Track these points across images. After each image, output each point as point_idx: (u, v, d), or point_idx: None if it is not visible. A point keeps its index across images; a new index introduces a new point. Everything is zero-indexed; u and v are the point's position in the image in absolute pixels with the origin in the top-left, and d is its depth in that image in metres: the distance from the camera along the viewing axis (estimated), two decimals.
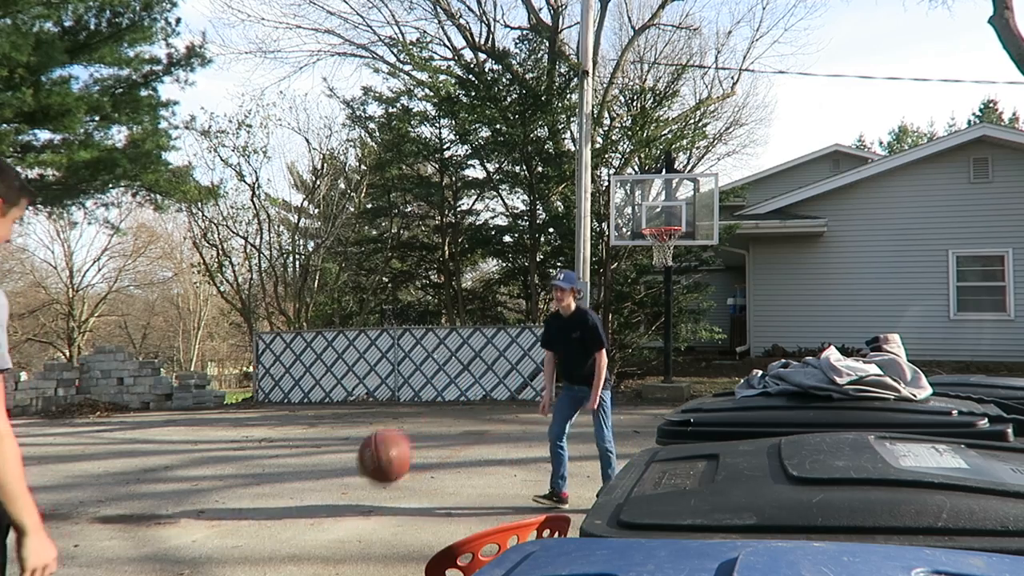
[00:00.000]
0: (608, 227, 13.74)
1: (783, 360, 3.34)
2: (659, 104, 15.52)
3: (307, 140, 27.39)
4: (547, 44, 18.05)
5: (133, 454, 8.61)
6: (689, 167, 19.26)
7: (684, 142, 17.06)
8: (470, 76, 17.00)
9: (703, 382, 13.32)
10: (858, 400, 2.73)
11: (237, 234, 18.68)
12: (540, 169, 16.35)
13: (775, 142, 68.34)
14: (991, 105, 43.84)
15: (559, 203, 17.07)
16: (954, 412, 2.57)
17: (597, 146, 15.04)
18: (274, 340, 14.73)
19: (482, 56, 18.92)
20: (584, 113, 12.81)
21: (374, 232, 21.18)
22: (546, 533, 2.19)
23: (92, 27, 13.07)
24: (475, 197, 19.24)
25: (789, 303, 15.30)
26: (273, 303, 18.95)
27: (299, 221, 20.27)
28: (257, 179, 20.61)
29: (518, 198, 18.69)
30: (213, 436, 10.06)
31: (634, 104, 16.00)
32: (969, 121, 43.79)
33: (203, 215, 18.17)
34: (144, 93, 14.06)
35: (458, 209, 18.97)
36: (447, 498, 5.99)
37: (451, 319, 18.20)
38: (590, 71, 13.23)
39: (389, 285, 20.45)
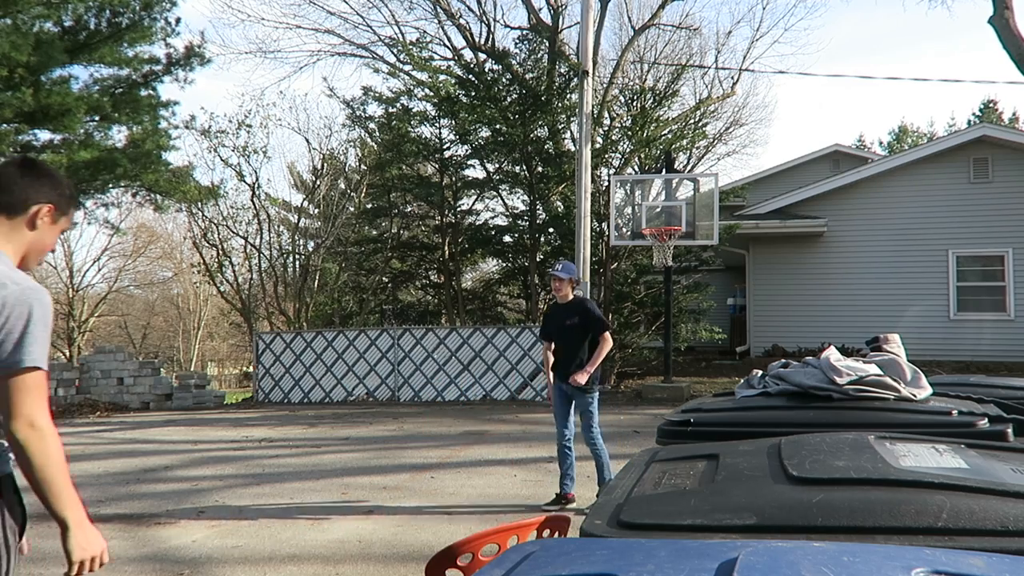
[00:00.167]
0: (608, 227, 13.73)
1: (783, 360, 3.34)
2: (659, 104, 15.52)
3: (307, 140, 27.45)
4: (547, 44, 18.05)
5: (133, 454, 8.61)
6: (689, 167, 19.26)
7: (684, 142, 17.06)
8: (470, 76, 17.00)
9: (703, 382, 13.32)
10: (858, 400, 2.73)
11: (237, 234, 18.70)
12: (540, 169, 16.35)
13: (775, 142, 68.41)
14: (991, 105, 43.85)
15: (559, 203, 17.07)
16: (954, 412, 2.57)
17: (597, 146, 15.04)
18: (274, 340, 14.73)
19: (482, 56, 18.92)
20: (584, 113, 12.81)
21: (374, 232, 21.19)
22: (546, 533, 2.19)
23: (92, 27, 13.07)
24: (475, 197, 19.25)
25: (789, 303, 15.30)
26: (273, 303, 18.96)
27: (299, 221, 20.28)
28: (257, 179, 20.65)
29: (518, 198, 18.71)
30: (213, 436, 10.06)
31: (634, 104, 15.99)
32: (969, 121, 43.81)
33: (203, 215, 18.18)
34: (144, 93, 14.06)
35: (458, 209, 18.97)
36: (447, 498, 5.99)
37: (451, 319, 18.20)
38: (590, 71, 13.24)
39: (389, 285, 20.45)
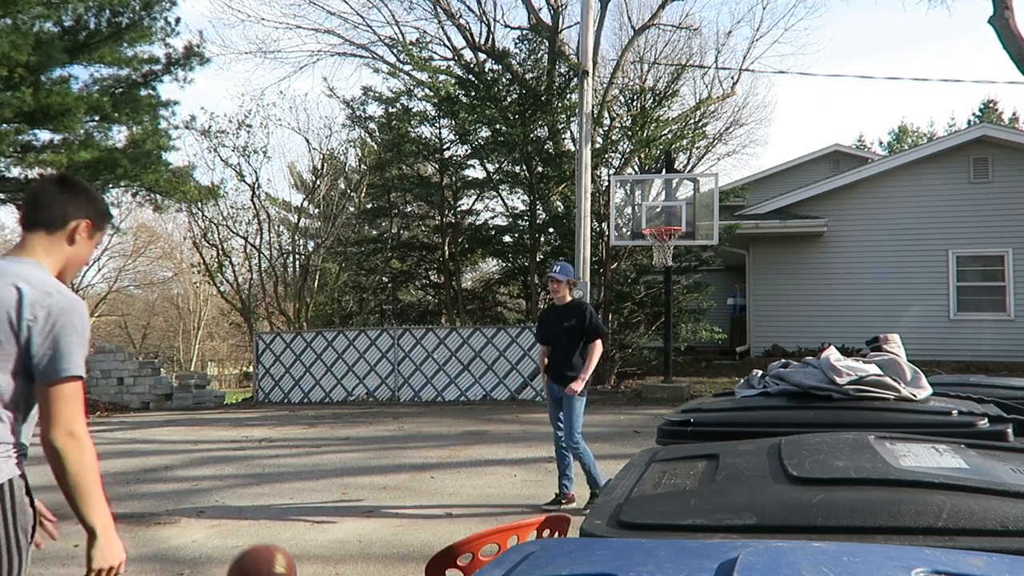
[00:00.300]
0: (608, 227, 13.73)
1: (783, 360, 3.34)
2: (659, 104, 15.52)
3: (307, 140, 27.46)
4: (547, 44, 18.05)
5: (133, 454, 8.61)
6: (689, 167, 19.26)
7: (684, 142, 17.06)
8: (470, 76, 17.00)
9: (703, 382, 13.32)
10: (858, 400, 2.73)
11: (237, 234, 18.71)
12: (540, 169, 16.35)
13: (775, 142, 68.40)
14: (991, 105, 43.84)
15: (559, 203, 17.07)
16: (954, 412, 2.57)
17: (597, 146, 15.04)
18: (274, 340, 14.73)
19: (482, 56, 18.92)
20: (584, 113, 12.81)
21: (374, 232, 21.19)
22: (546, 533, 2.19)
23: (92, 27, 13.07)
24: (475, 197, 19.25)
25: (789, 303, 15.30)
26: (273, 303, 18.96)
27: (299, 221, 20.28)
28: (257, 179, 20.65)
29: (518, 198, 18.71)
30: (213, 436, 10.06)
31: (634, 104, 15.99)
32: (969, 121, 43.80)
33: (203, 215, 18.19)
34: (144, 93, 14.06)
35: (458, 209, 18.97)
36: (447, 498, 5.99)
37: (451, 319, 18.20)
38: (590, 71, 13.24)
39: (389, 285, 20.45)
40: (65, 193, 2.00)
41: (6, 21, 11.66)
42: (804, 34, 59.46)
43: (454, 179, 18.58)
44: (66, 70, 13.07)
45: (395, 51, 19.09)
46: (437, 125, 17.61)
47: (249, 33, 57.07)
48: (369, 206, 20.65)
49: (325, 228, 19.34)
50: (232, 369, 34.96)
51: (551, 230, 16.90)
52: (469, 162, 18.32)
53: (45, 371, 1.80)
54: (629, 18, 21.50)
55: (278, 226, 20.12)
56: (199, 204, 17.26)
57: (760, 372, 3.28)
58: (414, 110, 17.43)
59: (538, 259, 16.86)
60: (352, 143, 20.43)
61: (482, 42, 19.15)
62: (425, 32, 21.31)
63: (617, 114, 17.19)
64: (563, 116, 16.35)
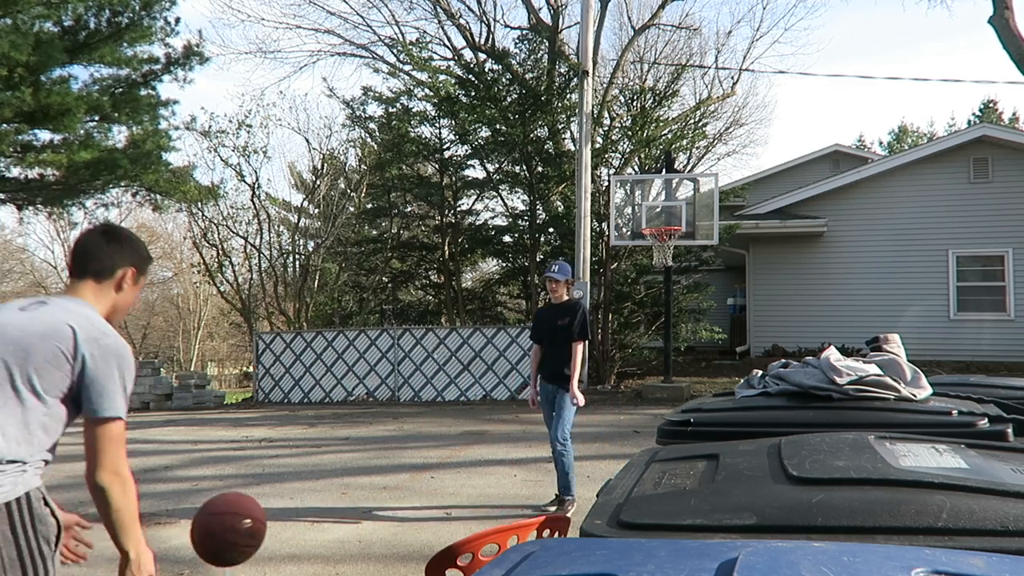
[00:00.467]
0: (608, 227, 13.73)
1: (783, 360, 3.34)
2: (659, 104, 15.51)
3: (307, 140, 27.48)
4: (547, 44, 18.05)
5: (133, 454, 8.61)
6: (689, 167, 19.26)
7: (684, 142, 17.06)
8: (470, 76, 16.99)
9: (703, 382, 13.31)
10: (858, 400, 2.73)
11: (237, 234, 18.71)
12: (540, 169, 16.35)
13: (775, 142, 68.40)
14: (991, 105, 43.85)
15: (559, 203, 17.07)
16: (954, 412, 2.57)
17: (597, 146, 15.04)
18: (274, 340, 14.73)
19: (482, 56, 18.92)
20: (584, 113, 12.81)
21: (374, 232, 21.19)
22: (546, 533, 2.19)
23: (92, 27, 13.06)
24: (475, 197, 19.24)
25: (789, 303, 15.30)
26: (273, 303, 18.96)
27: (299, 221, 20.29)
28: (257, 179, 20.68)
29: (518, 198, 18.70)
30: (213, 436, 10.06)
31: (634, 104, 15.99)
32: (969, 121, 43.81)
33: (203, 215, 18.19)
34: (143, 92, 14.05)
35: (458, 209, 18.97)
36: (447, 498, 5.99)
37: (451, 319, 18.20)
38: (590, 71, 13.24)
39: (389, 285, 20.45)
40: (111, 243, 2.13)
41: (6, 21, 11.66)
42: (804, 34, 59.40)
43: (454, 179, 18.58)
44: (66, 70, 13.07)
45: (395, 51, 19.10)
46: (437, 125, 17.61)
47: (249, 33, 57.13)
48: (369, 206, 20.64)
49: (325, 228, 19.34)
50: (232, 369, 34.96)
51: (551, 230, 16.90)
52: (469, 162, 18.32)
53: (93, 408, 1.96)
54: (629, 18, 21.54)
55: (278, 226, 20.13)
56: (199, 204, 17.26)
57: (760, 372, 3.28)
58: (414, 110, 17.43)
59: (538, 259, 16.86)
60: (352, 143, 20.45)
61: (482, 42, 19.15)
62: (425, 32, 21.36)
63: (617, 114, 17.19)
64: (563, 116, 16.35)
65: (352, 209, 19.96)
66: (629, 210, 13.38)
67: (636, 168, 16.87)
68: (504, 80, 16.69)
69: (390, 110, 17.79)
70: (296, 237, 19.88)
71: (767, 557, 1.13)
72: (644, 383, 13.14)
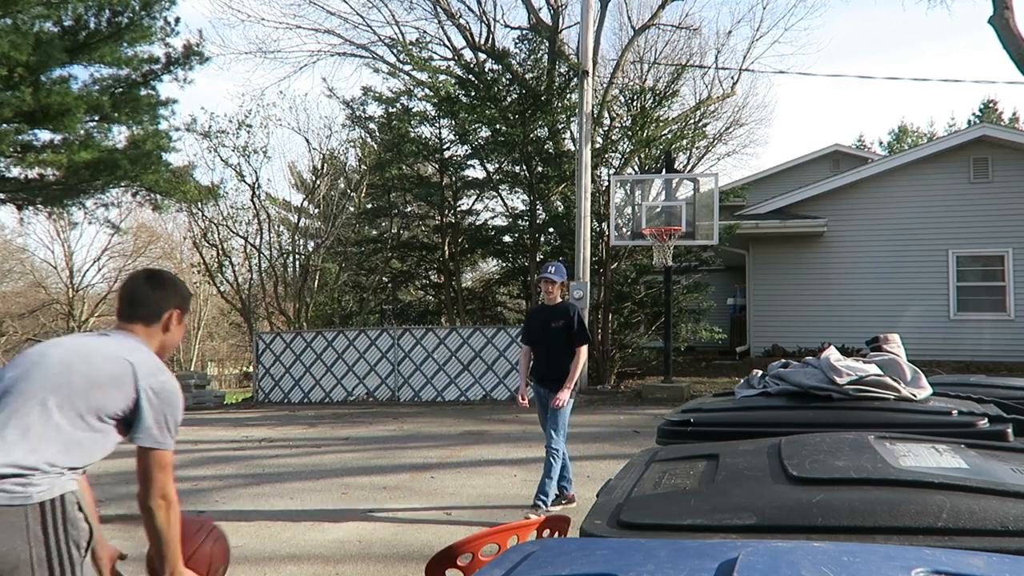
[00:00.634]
0: (608, 227, 13.73)
1: (783, 360, 3.34)
2: (659, 104, 15.51)
3: (307, 140, 27.49)
4: (547, 44, 18.04)
5: (133, 454, 8.61)
6: (689, 167, 19.25)
7: (684, 142, 17.05)
8: (470, 76, 16.99)
9: (703, 382, 13.31)
10: (858, 400, 2.73)
11: (237, 234, 18.72)
12: (540, 169, 16.34)
13: (775, 142, 68.39)
14: (991, 105, 43.84)
15: (559, 203, 17.07)
16: (954, 412, 2.57)
17: (597, 146, 15.04)
18: (274, 340, 14.73)
19: (482, 56, 18.92)
20: (584, 113, 12.81)
21: (374, 232, 21.19)
22: (546, 533, 2.19)
23: (92, 27, 13.06)
24: (475, 197, 19.24)
25: (789, 303, 15.30)
26: (273, 303, 18.96)
27: (299, 221, 20.29)
28: (257, 179, 20.66)
29: (518, 198, 18.69)
30: (213, 436, 10.06)
31: (634, 104, 15.99)
32: (969, 121, 43.80)
33: (203, 215, 18.20)
34: (143, 92, 14.05)
35: (458, 209, 18.97)
36: (447, 498, 5.99)
37: (451, 319, 18.20)
38: (590, 71, 13.24)
39: (389, 285, 20.45)
40: (156, 290, 2.31)
41: (6, 21, 11.65)
42: (804, 34, 59.44)
43: (454, 179, 18.58)
44: (66, 70, 13.07)
45: (395, 51, 19.09)
46: (437, 125, 17.61)
47: (249, 33, 57.13)
48: (369, 206, 20.64)
49: (325, 228, 19.35)
50: (232, 369, 34.98)
51: (551, 230, 16.89)
52: (469, 162, 18.31)
53: (146, 439, 2.17)
54: (629, 18, 21.50)
55: (278, 226, 20.13)
56: (199, 204, 17.27)
57: (760, 372, 3.28)
58: (414, 110, 17.42)
59: (538, 259, 16.86)
60: (352, 143, 20.46)
61: (482, 42, 19.15)
62: (425, 32, 21.33)
63: (617, 114, 17.19)
64: (563, 116, 16.35)
65: (352, 209, 19.96)
66: (629, 210, 13.38)
67: (636, 168, 16.86)
68: (504, 80, 16.68)
69: (390, 110, 17.79)
70: (296, 237, 19.89)
71: (767, 557, 1.13)
72: (644, 383, 13.14)
